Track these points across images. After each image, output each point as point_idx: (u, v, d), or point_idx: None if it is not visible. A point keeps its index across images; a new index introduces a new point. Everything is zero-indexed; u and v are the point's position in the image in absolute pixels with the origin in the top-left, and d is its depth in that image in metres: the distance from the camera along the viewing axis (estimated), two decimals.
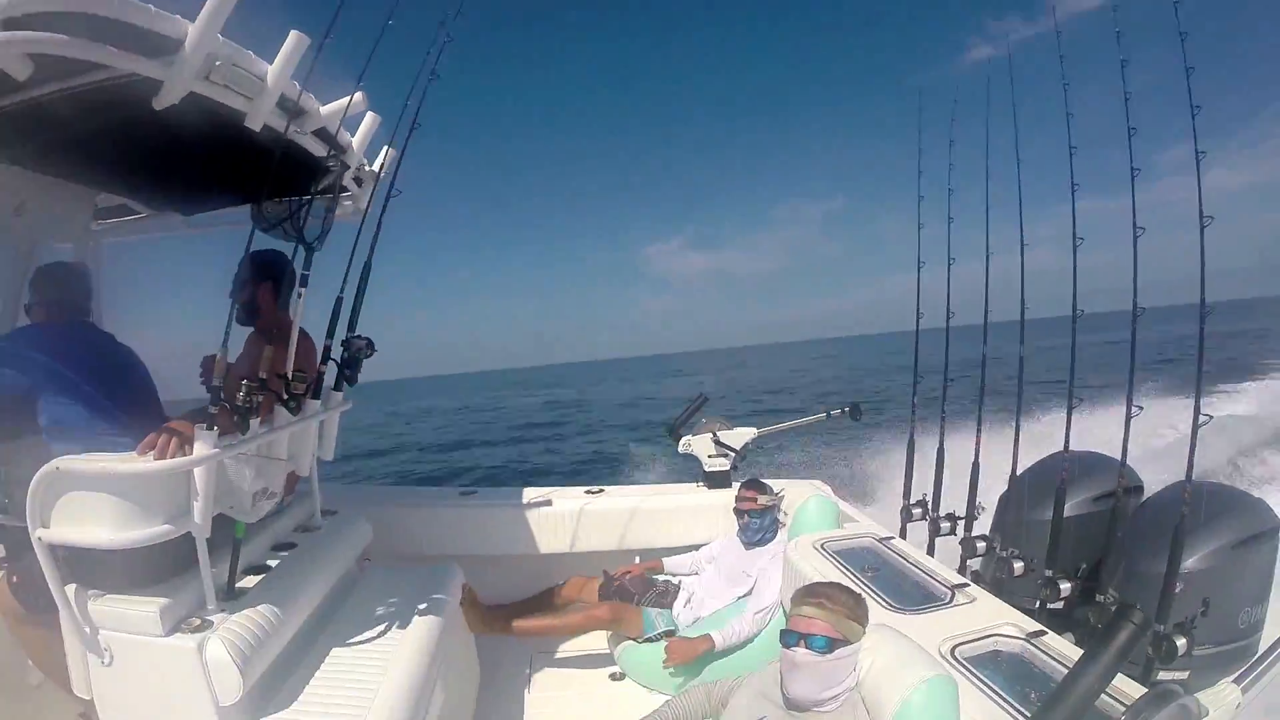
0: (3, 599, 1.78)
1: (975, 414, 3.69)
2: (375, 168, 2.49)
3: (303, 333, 2.18)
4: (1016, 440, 3.42)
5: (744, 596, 2.98)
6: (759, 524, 3.07)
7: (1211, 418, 2.40)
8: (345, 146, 2.24)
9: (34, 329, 1.99)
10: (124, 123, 1.66)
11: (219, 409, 1.55)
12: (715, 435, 3.78)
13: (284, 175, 2.00)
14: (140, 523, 1.51)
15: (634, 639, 2.96)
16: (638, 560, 3.47)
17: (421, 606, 2.22)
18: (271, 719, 1.68)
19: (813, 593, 1.74)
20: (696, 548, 3.45)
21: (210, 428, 1.52)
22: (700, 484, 3.79)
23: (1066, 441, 3.05)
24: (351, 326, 2.24)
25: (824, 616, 1.66)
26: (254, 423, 1.68)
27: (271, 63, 1.74)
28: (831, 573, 2.59)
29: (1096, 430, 3.48)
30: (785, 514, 3.24)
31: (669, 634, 2.95)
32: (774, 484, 3.33)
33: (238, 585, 1.86)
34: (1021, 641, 2.10)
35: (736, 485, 3.37)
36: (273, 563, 2.10)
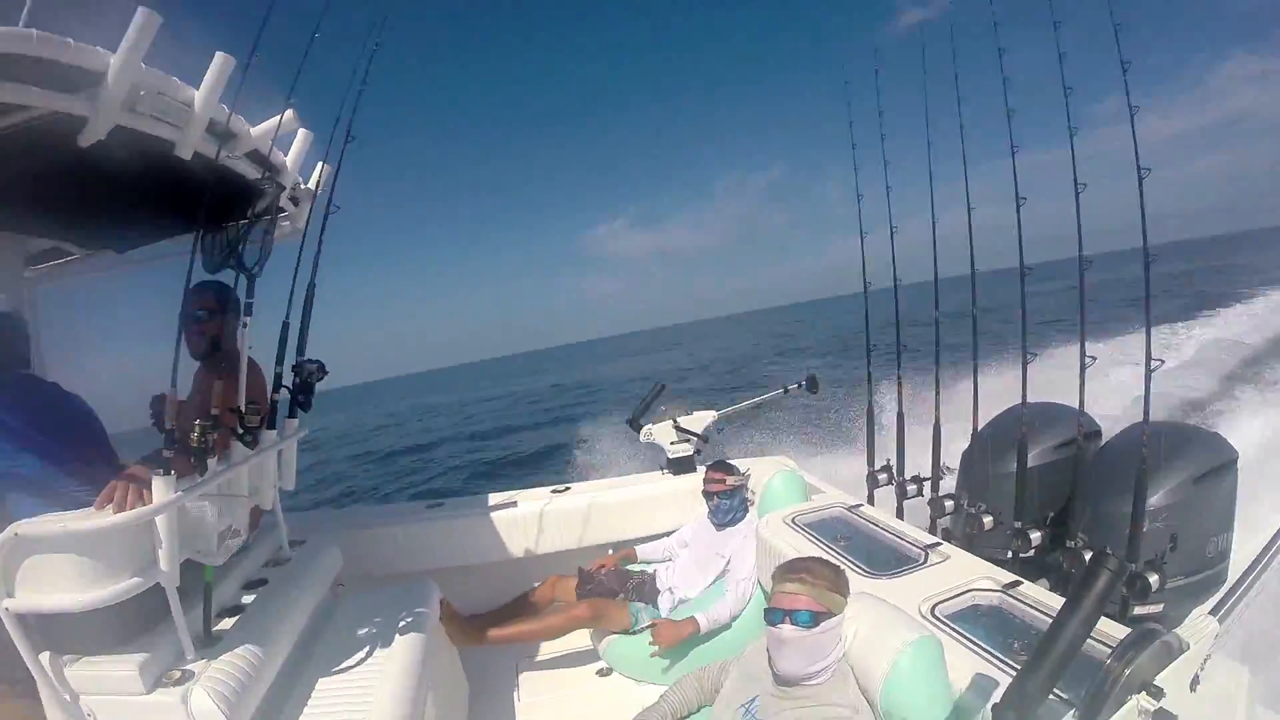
0: None
1: (932, 376, 3.85)
2: (311, 185, 2.50)
3: (251, 362, 2.19)
4: (976, 397, 3.57)
5: (720, 578, 3.08)
6: (728, 504, 3.18)
7: (1163, 362, 2.57)
8: (279, 167, 2.24)
9: None
10: (50, 164, 1.65)
11: (174, 452, 1.56)
12: (675, 422, 3.90)
13: (219, 202, 2.02)
14: (107, 579, 1.50)
15: (617, 633, 3.05)
16: (611, 553, 3.56)
17: (401, 627, 2.25)
18: None
19: (793, 569, 1.81)
20: (668, 534, 3.55)
21: (167, 472, 1.52)
22: (665, 471, 3.90)
23: (1024, 394, 3.20)
24: (300, 350, 2.26)
25: (806, 591, 1.73)
26: (211, 462, 1.68)
27: (198, 87, 1.76)
28: (804, 546, 2.70)
29: (1057, 381, 3.69)
30: (753, 492, 3.35)
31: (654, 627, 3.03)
32: (740, 463, 3.45)
33: (214, 630, 1.86)
34: (998, 593, 2.22)
35: (702, 469, 3.48)
36: (247, 600, 2.11)
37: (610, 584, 3.25)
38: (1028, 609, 2.11)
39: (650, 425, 3.96)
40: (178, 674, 1.64)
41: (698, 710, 2.12)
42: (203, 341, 2.17)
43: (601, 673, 3.13)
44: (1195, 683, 1.42)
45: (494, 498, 3.65)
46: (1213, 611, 1.48)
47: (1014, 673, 1.76)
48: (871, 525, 2.90)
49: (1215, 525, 2.71)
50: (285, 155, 2.29)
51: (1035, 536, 2.92)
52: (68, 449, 1.82)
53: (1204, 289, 20.72)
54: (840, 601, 1.78)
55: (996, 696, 1.69)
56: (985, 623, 2.13)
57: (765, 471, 3.40)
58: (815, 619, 1.71)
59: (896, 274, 4.00)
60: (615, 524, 3.62)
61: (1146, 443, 2.49)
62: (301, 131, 2.31)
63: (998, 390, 3.55)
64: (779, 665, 1.76)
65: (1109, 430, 3.28)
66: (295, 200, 2.52)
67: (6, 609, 1.47)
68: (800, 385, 4.20)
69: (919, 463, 3.82)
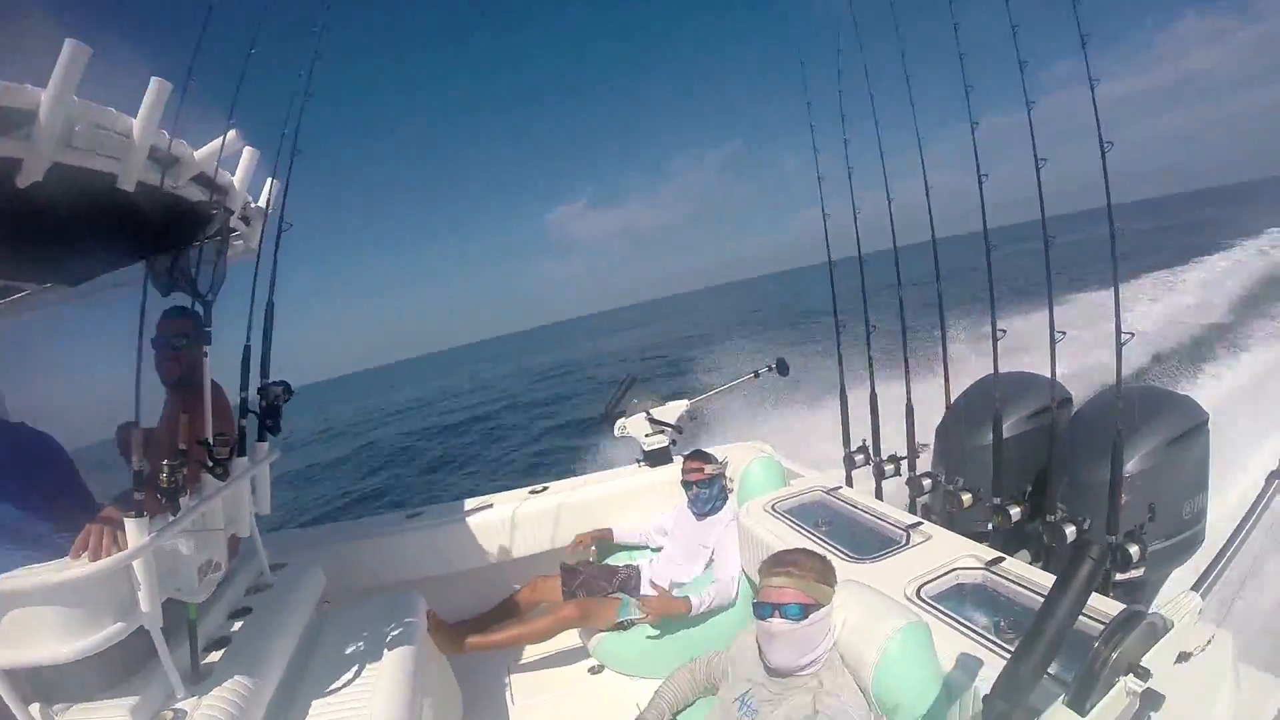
0: None
1: (901, 352, 3.93)
2: (261, 203, 2.49)
3: (216, 387, 2.20)
4: (946, 371, 3.65)
5: (707, 568, 3.16)
6: (708, 493, 3.25)
7: (1134, 335, 2.66)
8: (226, 188, 2.23)
9: None
10: None
11: (145, 493, 1.56)
12: (649, 414, 3.97)
13: (168, 230, 2.01)
14: (91, 628, 1.52)
15: (605, 630, 3.12)
16: (593, 549, 3.64)
17: (390, 641, 2.29)
18: None
19: (779, 562, 1.86)
20: None
21: (140, 514, 1.54)
22: (641, 464, 3.97)
23: (995, 364, 3.27)
24: (265, 373, 2.27)
25: (794, 584, 1.79)
26: (184, 500, 1.69)
27: (135, 115, 1.74)
28: (786, 533, 2.77)
29: (1026, 335, 3.79)
30: (731, 480, 3.42)
31: (642, 619, 3.10)
32: (716, 450, 3.52)
33: (202, 664, 1.89)
34: (982, 571, 2.30)
35: (679, 459, 3.56)
36: (234, 630, 2.14)
37: (596, 580, 3.31)
38: (1011, 585, 2.20)
39: (624, 419, 4.03)
40: (170, 714, 1.67)
41: (693, 703, 2.19)
42: (177, 368, 2.17)
43: (593, 670, 3.21)
44: (1183, 658, 1.51)
45: (471, 502, 3.69)
46: (1194, 587, 1.56)
47: (1001, 651, 1.86)
48: (852, 508, 2.98)
49: (1190, 487, 2.81)
50: (232, 175, 2.28)
51: (1015, 512, 3.00)
52: (40, 492, 1.83)
53: (1165, 246, 21.46)
54: (828, 592, 1.84)
55: (984, 675, 1.78)
56: (971, 602, 2.21)
57: (742, 458, 3.47)
58: (804, 611, 1.77)
59: (861, 254, 4.05)
60: (595, 520, 3.69)
61: (1121, 414, 2.57)
62: (247, 150, 2.29)
63: (963, 353, 3.63)
64: (770, 659, 1.82)
65: (1079, 397, 3.39)
66: (246, 219, 2.51)
67: None
68: (770, 368, 4.28)
69: (895, 441, 3.91)
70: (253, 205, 2.47)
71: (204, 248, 2.11)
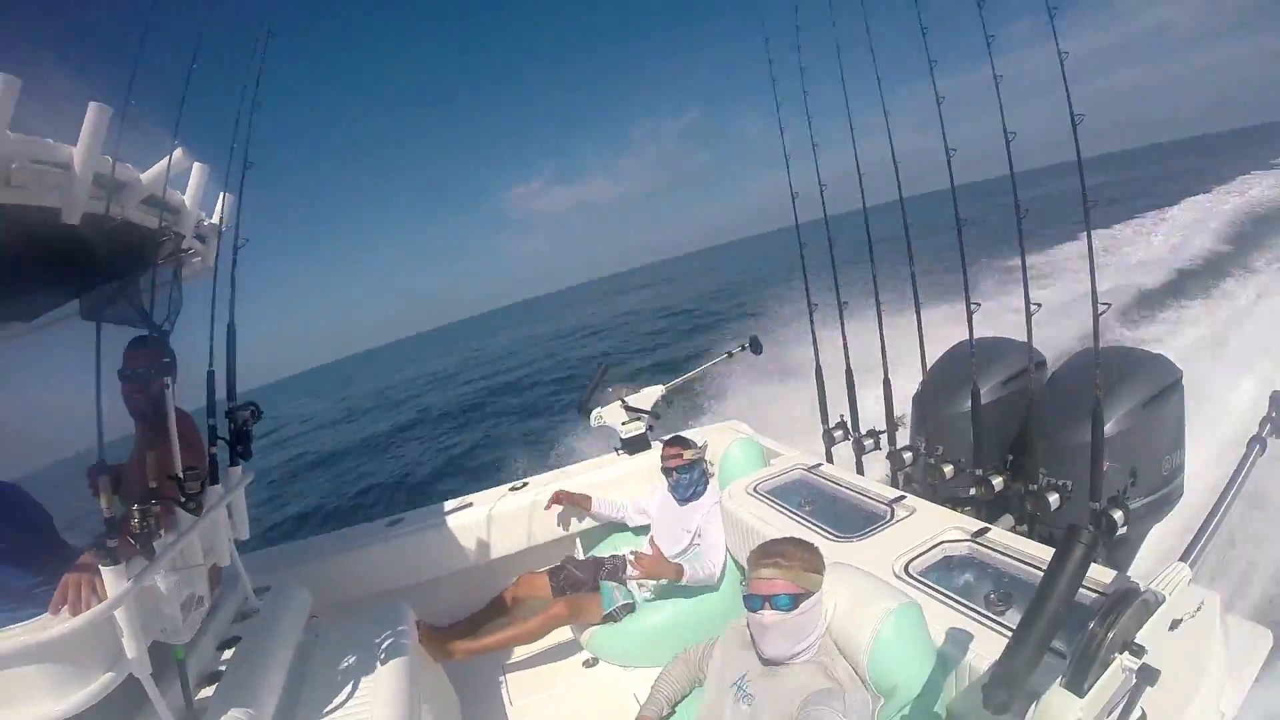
0: None
1: (876, 322, 3.96)
2: (215, 220, 2.45)
3: (184, 416, 2.17)
4: (921, 340, 3.68)
5: (691, 552, 3.20)
6: (689, 478, 3.28)
7: (1110, 305, 2.72)
8: (177, 207, 2.19)
9: None
10: None
11: (119, 540, 1.55)
12: (624, 401, 4.01)
13: (119, 259, 1.97)
14: (80, 682, 1.51)
15: (596, 624, 3.17)
16: (578, 544, 3.71)
17: (383, 655, 2.30)
18: None
19: (767, 553, 1.88)
20: None
21: (116, 561, 1.52)
22: (620, 452, 4.01)
23: (970, 330, 3.30)
24: (231, 396, 2.25)
25: (782, 575, 1.81)
26: (158, 541, 1.67)
27: (74, 144, 1.70)
28: (770, 514, 2.81)
29: (990, 291, 3.84)
30: (711, 463, 3.46)
31: (628, 607, 3.18)
32: (694, 434, 3.57)
33: (196, 701, 1.89)
34: (968, 543, 2.36)
35: (657, 445, 3.60)
36: (224, 661, 2.14)
37: (583, 573, 3.35)
38: (999, 555, 2.26)
39: (599, 409, 4.05)
40: None
41: (690, 692, 2.23)
42: (144, 401, 2.13)
43: (587, 664, 3.26)
44: (1174, 625, 1.56)
45: (451, 503, 3.71)
46: (1183, 557, 1.62)
47: (992, 624, 1.92)
48: (834, 485, 3.03)
49: (1168, 444, 2.90)
50: (183, 194, 2.23)
51: (998, 482, 3.07)
52: (14, 544, 1.81)
53: (1135, 197, 22.13)
54: (817, 580, 1.87)
55: (976, 648, 1.84)
56: (959, 574, 2.27)
57: (721, 440, 3.51)
58: (794, 601, 1.80)
59: (828, 217, 4.06)
60: (578, 513, 3.72)
61: (1099, 383, 2.62)
62: (196, 166, 2.24)
63: (936, 320, 3.66)
64: (764, 649, 1.85)
65: (1053, 361, 3.47)
66: (202, 238, 2.46)
67: None
68: (744, 347, 4.32)
69: (874, 411, 3.95)
70: (206, 222, 2.42)
71: (158, 274, 2.06)
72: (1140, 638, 1.35)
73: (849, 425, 3.98)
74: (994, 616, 1.97)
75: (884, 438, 3.79)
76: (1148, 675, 1.30)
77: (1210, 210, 17.69)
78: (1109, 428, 2.71)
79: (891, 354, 3.95)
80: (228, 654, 2.18)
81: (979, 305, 3.12)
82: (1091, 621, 1.32)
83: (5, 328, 2.48)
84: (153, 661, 1.67)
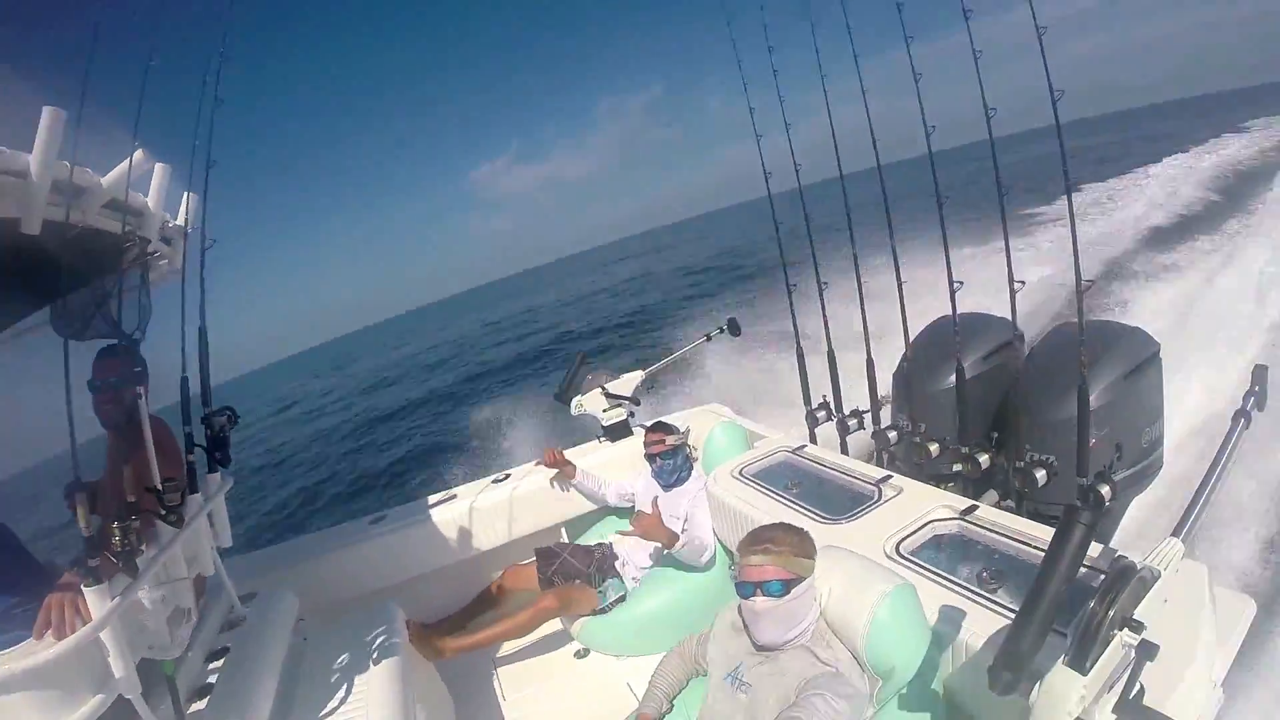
0: None
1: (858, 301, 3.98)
2: (181, 221, 2.39)
3: (159, 423, 2.13)
4: (904, 315, 3.70)
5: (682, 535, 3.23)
6: (672, 464, 3.31)
7: (1094, 283, 2.75)
8: (140, 210, 2.13)
9: None
10: None
11: (100, 559, 1.51)
12: (604, 389, 4.02)
13: (84, 267, 1.92)
14: (69, 708, 1.49)
15: (586, 615, 3.19)
16: (563, 532, 3.76)
17: (374, 656, 2.30)
18: None
19: (757, 540, 1.90)
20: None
21: (98, 581, 1.49)
22: (602, 439, 4.03)
23: (953, 307, 3.31)
24: (206, 401, 2.21)
25: (773, 561, 1.83)
26: (140, 558, 1.64)
27: (29, 151, 1.64)
28: (757, 498, 2.83)
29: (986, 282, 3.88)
30: (694, 448, 3.48)
31: (621, 599, 3.20)
32: (676, 418, 3.60)
33: (188, 716, 1.87)
34: (957, 521, 2.40)
35: (639, 431, 3.61)
36: (213, 672, 2.12)
37: (572, 563, 3.35)
38: (988, 533, 2.30)
39: (579, 396, 4.07)
40: None
41: (686, 685, 2.25)
42: (116, 411, 2.09)
43: (579, 654, 3.28)
44: (1168, 598, 1.61)
45: (434, 498, 3.71)
46: (1174, 533, 1.66)
47: (984, 601, 1.95)
48: (819, 466, 3.05)
49: (1148, 416, 2.95)
50: (145, 197, 2.18)
51: (984, 459, 3.10)
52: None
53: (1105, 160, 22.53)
54: (808, 565, 1.89)
55: (969, 626, 1.88)
56: (949, 553, 2.31)
57: (703, 424, 3.54)
58: (786, 587, 1.82)
59: (807, 214, 4.06)
60: (562, 502, 3.74)
61: (1084, 363, 2.65)
62: (158, 166, 2.18)
63: (914, 294, 3.69)
64: (757, 636, 1.88)
65: (1028, 331, 3.52)
66: (167, 240, 2.40)
67: None
68: (722, 330, 4.34)
69: (858, 387, 3.99)
70: (171, 224, 2.36)
71: (125, 280, 2.02)
72: (1138, 614, 1.38)
73: (832, 406, 4.00)
74: (987, 595, 2.01)
75: (868, 417, 3.82)
76: (1147, 650, 1.34)
77: (1191, 168, 18.21)
78: (1091, 401, 2.76)
79: (871, 328, 3.97)
80: (217, 668, 2.16)
81: (961, 284, 3.14)
82: (1091, 600, 1.35)
83: None
84: (141, 679, 1.64)
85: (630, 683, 2.97)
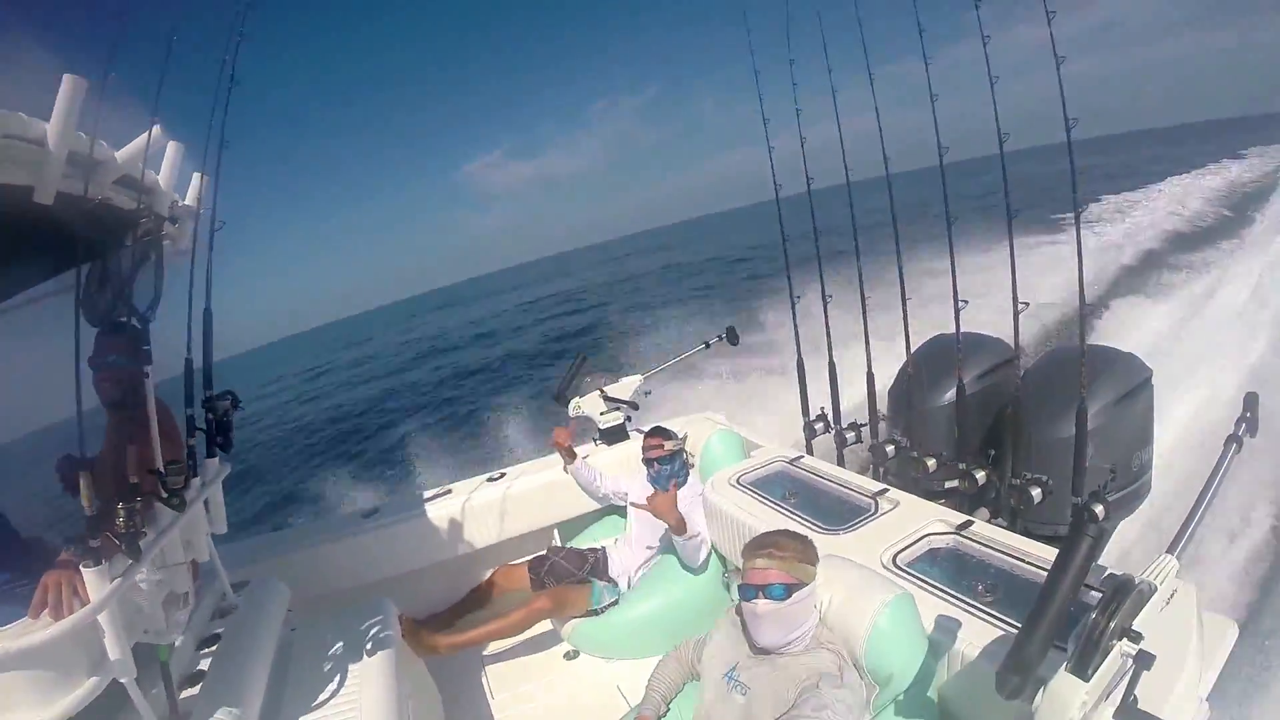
0: None
1: (860, 312, 4.01)
2: (190, 201, 2.37)
3: (161, 406, 2.10)
4: (907, 331, 3.73)
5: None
6: (669, 469, 3.32)
7: (1091, 307, 2.80)
8: (152, 188, 2.11)
9: None
10: None
11: (102, 538, 1.49)
12: (603, 391, 4.03)
13: (96, 240, 1.90)
14: (63, 689, 1.47)
15: (578, 616, 3.19)
16: (556, 535, 3.76)
17: (367, 651, 2.29)
18: None
19: (761, 544, 1.92)
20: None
21: (98, 562, 1.47)
22: (599, 442, 4.03)
23: (957, 325, 3.35)
24: (208, 384, 2.18)
25: (776, 565, 1.85)
26: (144, 541, 1.62)
27: (47, 119, 1.62)
28: (754, 506, 2.85)
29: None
30: (691, 454, 3.49)
31: (614, 603, 3.20)
32: (673, 424, 3.60)
33: (179, 702, 1.85)
34: (953, 535, 2.44)
35: (635, 434, 3.65)
36: (206, 660, 2.10)
37: (564, 566, 3.36)
38: (983, 548, 2.34)
39: (578, 398, 4.07)
40: None
41: (683, 688, 2.26)
42: (115, 389, 2.07)
43: (568, 656, 3.27)
44: (1162, 612, 1.66)
45: (428, 494, 3.70)
46: (1169, 550, 1.71)
47: (979, 613, 1.99)
48: (816, 477, 3.08)
49: (1138, 440, 3.02)
50: (157, 174, 2.15)
51: (980, 476, 3.16)
52: None
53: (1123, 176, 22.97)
54: (811, 571, 1.91)
55: (964, 637, 1.92)
56: (945, 566, 2.34)
57: (701, 431, 3.56)
58: (788, 591, 1.84)
59: (815, 221, 4.09)
60: (556, 503, 3.74)
61: (1085, 384, 2.70)
62: (171, 144, 2.15)
63: (912, 311, 3.74)
64: (757, 638, 1.89)
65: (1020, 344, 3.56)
66: (175, 219, 2.38)
67: None
68: (720, 338, 4.36)
69: (852, 400, 4.03)
70: (180, 204, 2.34)
71: (136, 259, 2.00)
72: (1135, 625, 1.44)
73: (830, 418, 4.03)
74: (983, 607, 2.05)
75: (865, 431, 3.86)
76: (1144, 660, 1.41)
77: (1195, 186, 18.69)
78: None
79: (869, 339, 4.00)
80: (209, 655, 2.14)
81: (966, 303, 3.19)
82: (1093, 611, 1.40)
83: None
84: (136, 664, 1.62)
85: (619, 685, 2.97)
